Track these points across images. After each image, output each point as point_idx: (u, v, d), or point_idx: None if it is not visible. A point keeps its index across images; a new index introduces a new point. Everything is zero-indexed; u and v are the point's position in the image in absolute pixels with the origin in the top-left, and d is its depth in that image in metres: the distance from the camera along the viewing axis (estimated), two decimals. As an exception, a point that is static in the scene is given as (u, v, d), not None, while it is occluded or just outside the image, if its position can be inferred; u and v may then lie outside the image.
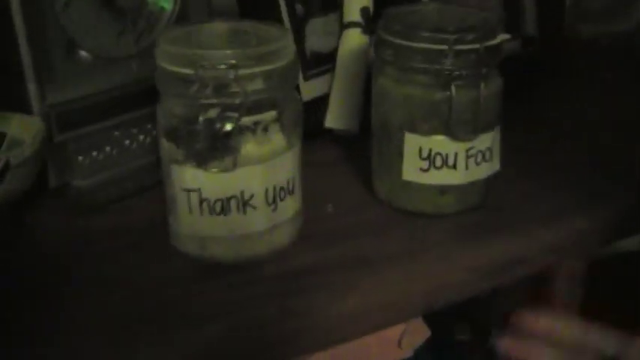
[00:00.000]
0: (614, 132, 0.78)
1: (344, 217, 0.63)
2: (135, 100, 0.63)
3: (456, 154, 0.60)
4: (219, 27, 0.60)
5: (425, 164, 0.61)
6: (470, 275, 0.59)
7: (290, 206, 0.57)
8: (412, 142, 0.60)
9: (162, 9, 0.68)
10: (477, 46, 0.57)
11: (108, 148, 0.63)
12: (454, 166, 0.60)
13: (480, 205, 0.63)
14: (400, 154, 0.61)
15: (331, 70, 0.79)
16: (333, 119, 0.77)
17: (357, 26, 0.78)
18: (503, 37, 0.57)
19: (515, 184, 0.67)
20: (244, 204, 0.54)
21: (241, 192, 0.53)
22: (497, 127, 0.63)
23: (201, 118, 0.51)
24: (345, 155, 0.74)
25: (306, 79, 0.79)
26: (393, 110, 0.60)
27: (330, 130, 0.77)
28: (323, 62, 0.79)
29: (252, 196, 0.54)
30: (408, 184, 0.62)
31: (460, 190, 0.62)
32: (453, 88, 0.57)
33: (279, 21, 0.74)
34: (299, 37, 0.76)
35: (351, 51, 0.77)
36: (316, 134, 0.75)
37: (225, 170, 0.52)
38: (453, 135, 0.59)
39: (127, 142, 0.65)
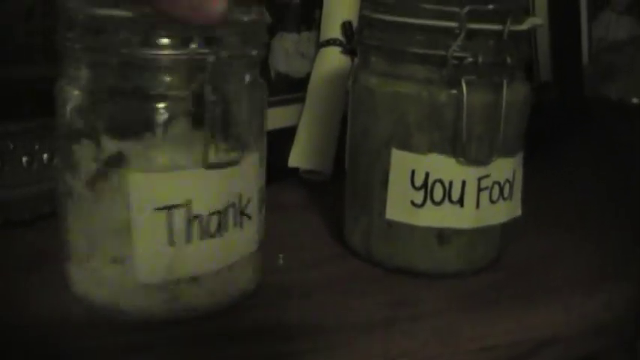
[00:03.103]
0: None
1: (303, 272, 0.46)
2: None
3: (463, 184, 0.42)
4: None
5: (419, 196, 0.42)
6: (482, 359, 0.39)
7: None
8: (402, 163, 0.42)
9: None
10: (498, 27, 0.40)
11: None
12: (460, 202, 0.42)
13: (492, 262, 0.45)
14: (384, 183, 0.43)
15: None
16: (298, 157, 0.59)
17: (337, 44, 0.61)
18: (534, 21, 0.40)
19: (540, 238, 0.50)
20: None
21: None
22: (521, 154, 0.45)
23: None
24: (315, 197, 0.56)
25: (268, 105, 0.62)
26: (378, 117, 0.42)
27: (296, 171, 0.59)
28: (292, 88, 0.63)
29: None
30: (393, 227, 0.43)
31: (467, 238, 0.43)
32: (464, 85, 0.40)
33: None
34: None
35: (328, 74, 0.60)
36: (279, 175, 0.57)
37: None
38: (461, 154, 0.41)
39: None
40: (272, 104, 0.64)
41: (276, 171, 0.58)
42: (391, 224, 0.44)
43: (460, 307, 0.43)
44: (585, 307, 0.46)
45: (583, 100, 0.81)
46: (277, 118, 0.64)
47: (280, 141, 0.61)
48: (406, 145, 0.42)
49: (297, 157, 0.60)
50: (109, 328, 0.39)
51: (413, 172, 0.42)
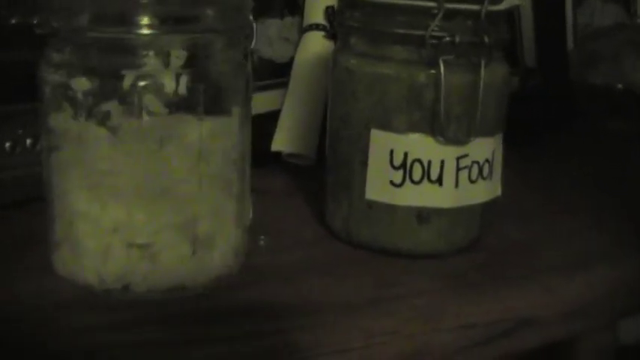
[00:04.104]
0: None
1: (285, 254, 0.46)
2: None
3: (442, 163, 0.42)
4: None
5: (398, 176, 0.43)
6: (458, 338, 0.40)
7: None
8: (381, 143, 0.42)
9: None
10: (476, 7, 0.40)
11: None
12: (439, 181, 0.42)
13: (473, 242, 0.45)
14: (364, 164, 0.43)
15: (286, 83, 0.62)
16: (282, 141, 0.60)
17: (320, 29, 0.61)
18: (512, 1, 0.40)
19: (522, 223, 0.51)
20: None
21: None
22: (500, 135, 0.45)
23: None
24: (299, 183, 0.56)
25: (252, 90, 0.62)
26: (357, 98, 0.42)
27: (279, 155, 0.59)
28: (276, 73, 0.63)
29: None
30: (374, 208, 0.43)
31: (447, 218, 0.43)
32: (442, 65, 0.40)
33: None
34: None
35: (311, 58, 0.60)
36: (263, 159, 0.57)
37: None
38: (440, 134, 0.41)
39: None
40: (256, 89, 0.64)
41: (260, 155, 0.59)
42: (371, 205, 0.44)
43: (441, 287, 0.44)
44: (565, 288, 0.46)
45: (567, 86, 0.81)
46: (261, 102, 0.64)
47: (264, 125, 0.61)
48: (385, 126, 0.43)
49: (281, 141, 0.60)
50: (96, 308, 0.39)
51: (392, 152, 0.43)
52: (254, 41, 0.42)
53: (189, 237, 0.39)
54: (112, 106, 0.37)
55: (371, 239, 0.45)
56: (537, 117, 0.73)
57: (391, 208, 0.44)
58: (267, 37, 0.63)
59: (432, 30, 0.40)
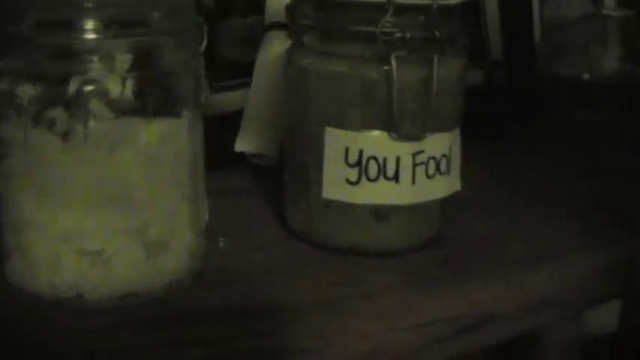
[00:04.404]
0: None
1: (246, 256, 0.46)
2: None
3: (397, 160, 0.42)
4: None
5: (354, 174, 0.42)
6: (419, 335, 0.40)
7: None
8: (336, 141, 0.42)
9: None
10: (427, 2, 0.40)
11: None
12: (395, 178, 0.42)
13: (434, 238, 0.45)
14: (320, 163, 0.43)
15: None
16: (245, 141, 0.59)
17: (281, 28, 0.61)
18: (462, -5, 0.40)
19: (487, 216, 0.51)
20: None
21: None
22: (457, 129, 0.45)
23: None
24: (262, 183, 0.56)
25: (215, 90, 0.62)
26: (312, 97, 0.42)
27: (242, 156, 0.59)
28: (238, 73, 0.62)
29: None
30: (331, 207, 0.43)
31: (405, 215, 0.43)
32: (394, 62, 0.40)
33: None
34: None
35: (272, 57, 0.60)
36: (227, 160, 0.57)
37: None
38: (394, 130, 0.41)
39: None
40: (218, 89, 0.64)
41: (223, 156, 0.58)
42: (329, 204, 0.44)
43: (401, 284, 0.43)
44: (528, 282, 0.46)
45: (534, 78, 0.81)
46: (224, 103, 0.64)
47: (227, 126, 0.60)
48: (340, 124, 0.42)
49: (244, 142, 0.60)
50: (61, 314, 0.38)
51: (347, 150, 0.42)
52: (204, 42, 0.41)
53: (141, 242, 0.38)
54: (57, 112, 0.36)
55: (330, 238, 0.45)
56: (504, 110, 0.73)
57: (349, 207, 0.44)
58: (231, 37, 0.63)
59: (383, 26, 0.40)
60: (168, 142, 0.38)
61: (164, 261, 0.39)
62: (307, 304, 0.41)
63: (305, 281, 0.43)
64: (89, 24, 0.36)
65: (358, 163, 0.42)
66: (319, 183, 0.44)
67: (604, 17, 0.86)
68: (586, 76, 0.83)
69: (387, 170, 0.42)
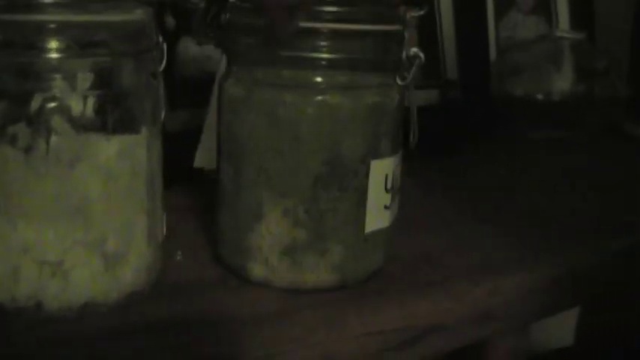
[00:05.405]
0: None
1: (199, 270, 0.48)
2: None
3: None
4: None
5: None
6: (365, 346, 0.42)
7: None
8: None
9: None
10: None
11: None
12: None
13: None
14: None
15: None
16: (204, 157, 0.60)
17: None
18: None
19: (430, 234, 0.53)
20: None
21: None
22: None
23: None
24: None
25: (173, 108, 0.64)
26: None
27: (200, 172, 0.60)
28: (199, 91, 0.64)
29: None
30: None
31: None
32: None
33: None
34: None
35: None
36: (184, 176, 0.58)
37: None
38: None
39: None
40: (178, 107, 0.65)
41: (182, 172, 0.60)
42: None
43: (347, 297, 0.45)
44: (471, 294, 0.48)
45: (488, 97, 0.84)
46: (183, 120, 0.65)
47: (186, 142, 0.62)
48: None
49: (203, 158, 0.61)
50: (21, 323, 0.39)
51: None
52: (164, 62, 0.43)
53: (100, 254, 0.40)
54: (20, 127, 0.38)
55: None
56: (457, 128, 0.75)
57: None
58: (190, 55, 0.64)
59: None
60: (126, 157, 0.40)
61: (122, 272, 0.41)
62: (258, 315, 0.42)
63: (256, 294, 0.44)
64: (52, 44, 0.37)
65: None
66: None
67: (557, 39, 0.89)
68: (539, 95, 0.85)
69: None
